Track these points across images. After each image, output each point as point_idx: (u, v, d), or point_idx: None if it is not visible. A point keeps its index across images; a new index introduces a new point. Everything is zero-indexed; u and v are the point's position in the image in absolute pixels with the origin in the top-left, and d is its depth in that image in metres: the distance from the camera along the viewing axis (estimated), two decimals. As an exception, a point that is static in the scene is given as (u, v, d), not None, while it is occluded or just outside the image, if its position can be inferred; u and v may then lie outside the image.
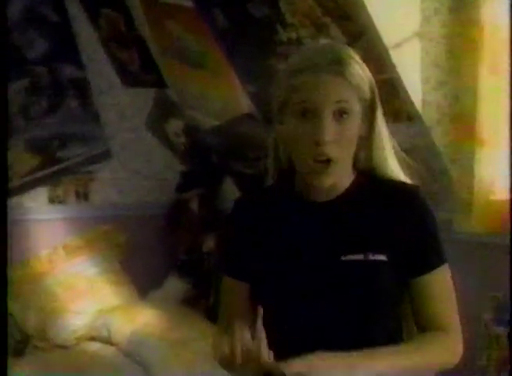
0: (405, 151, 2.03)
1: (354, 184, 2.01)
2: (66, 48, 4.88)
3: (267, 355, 1.74)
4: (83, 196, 4.99)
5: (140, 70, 4.99)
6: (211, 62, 4.34)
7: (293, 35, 3.68)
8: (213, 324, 4.36)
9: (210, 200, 5.09)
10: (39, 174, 4.80)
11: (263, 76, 4.04)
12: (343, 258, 1.93)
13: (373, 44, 3.28)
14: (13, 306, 4.42)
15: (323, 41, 2.54)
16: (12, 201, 4.65)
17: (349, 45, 3.39)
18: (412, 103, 3.31)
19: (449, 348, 2.01)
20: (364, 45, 3.33)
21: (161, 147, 5.22)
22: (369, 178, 2.02)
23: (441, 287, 2.02)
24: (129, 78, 5.02)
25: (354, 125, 1.89)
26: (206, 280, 4.84)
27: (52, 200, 4.84)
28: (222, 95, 4.54)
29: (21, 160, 4.70)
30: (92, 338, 4.46)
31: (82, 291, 4.54)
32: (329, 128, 1.84)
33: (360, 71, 1.90)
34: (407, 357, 1.93)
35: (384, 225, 1.97)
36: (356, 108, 1.89)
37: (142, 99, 5.09)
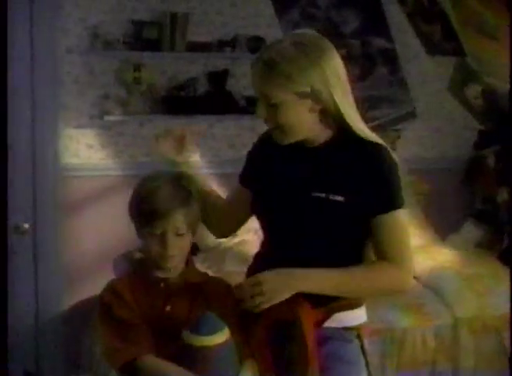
0: None
1: (332, 138, 2.37)
2: (376, 23, 5.25)
3: None
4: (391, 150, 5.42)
5: (442, 40, 5.23)
6: (505, 34, 4.55)
7: None
8: (504, 265, 4.69)
9: (505, 156, 5.21)
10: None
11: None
12: (312, 194, 2.32)
13: None
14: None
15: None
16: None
17: None
18: None
19: (396, 277, 2.32)
20: None
21: (461, 108, 5.48)
22: (346, 135, 2.35)
23: (396, 226, 2.31)
24: (432, 48, 5.30)
25: (287, 112, 2.28)
26: (500, 228, 5.09)
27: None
28: (516, 64, 4.64)
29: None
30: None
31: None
32: (263, 111, 2.31)
33: (292, 70, 2.24)
34: (351, 277, 2.30)
35: (347, 173, 2.31)
36: (285, 101, 2.26)
37: (444, 65, 5.38)
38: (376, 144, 2.37)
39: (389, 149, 2.37)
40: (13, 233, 4.55)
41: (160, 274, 2.42)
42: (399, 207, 2.34)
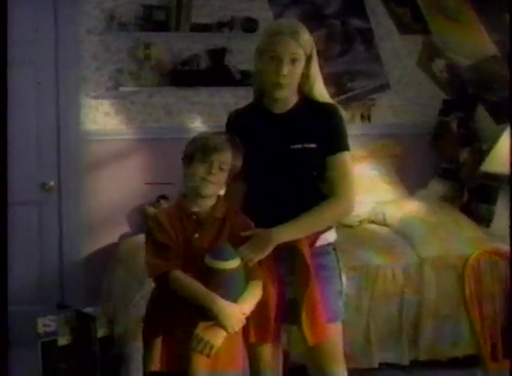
0: None
1: (298, 103, 2.97)
2: (354, 5, 5.55)
3: None
4: (367, 118, 5.68)
5: (412, 21, 5.52)
6: (465, 16, 4.84)
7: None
8: (466, 216, 5.02)
9: (466, 121, 5.54)
10: (333, 100, 5.39)
11: (503, 27, 4.59)
12: (290, 146, 2.90)
13: None
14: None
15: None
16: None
17: None
18: None
19: (341, 207, 2.95)
20: None
21: (428, 80, 5.77)
22: (308, 100, 2.96)
23: (344, 163, 2.94)
24: (403, 28, 5.60)
25: (299, 67, 2.88)
26: (461, 183, 5.48)
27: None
28: (474, 42, 5.00)
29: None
30: (372, 221, 5.16)
31: (365, 187, 5.11)
32: (286, 67, 2.85)
33: (307, 38, 2.88)
34: (312, 220, 2.89)
35: (313, 127, 2.91)
36: (302, 58, 2.88)
37: (413, 43, 5.68)
38: (331, 104, 2.99)
39: (339, 106, 3.04)
40: (41, 189, 5.10)
41: (194, 209, 2.89)
42: (347, 150, 2.97)
